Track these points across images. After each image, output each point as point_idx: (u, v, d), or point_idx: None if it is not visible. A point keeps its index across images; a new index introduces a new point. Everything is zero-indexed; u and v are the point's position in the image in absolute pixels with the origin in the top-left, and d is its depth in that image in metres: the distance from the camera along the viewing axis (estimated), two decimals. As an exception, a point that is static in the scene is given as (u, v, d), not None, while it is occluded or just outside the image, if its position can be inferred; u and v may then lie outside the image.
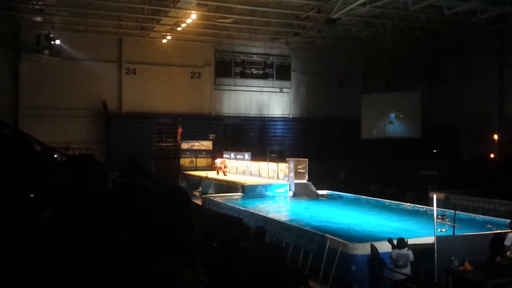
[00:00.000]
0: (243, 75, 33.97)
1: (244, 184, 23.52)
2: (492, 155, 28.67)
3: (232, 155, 29.46)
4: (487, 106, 29.11)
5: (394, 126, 33.55)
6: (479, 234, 12.44)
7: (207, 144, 31.24)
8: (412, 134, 32.04)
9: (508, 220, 12.49)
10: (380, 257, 11.06)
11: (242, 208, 18.80)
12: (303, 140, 32.91)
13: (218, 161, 28.37)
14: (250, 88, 34.27)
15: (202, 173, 28.02)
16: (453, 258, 10.43)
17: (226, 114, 33.69)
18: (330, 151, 30.87)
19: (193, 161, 30.83)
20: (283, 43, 32.32)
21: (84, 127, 29.29)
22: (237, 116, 33.93)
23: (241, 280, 4.05)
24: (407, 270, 10.56)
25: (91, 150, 23.67)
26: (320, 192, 23.50)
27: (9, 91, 27.93)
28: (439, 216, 11.86)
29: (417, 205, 19.74)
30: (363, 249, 11.60)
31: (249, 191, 22.89)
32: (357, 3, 22.39)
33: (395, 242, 10.99)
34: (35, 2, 25.03)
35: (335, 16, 24.22)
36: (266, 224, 14.23)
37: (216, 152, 30.45)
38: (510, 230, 11.35)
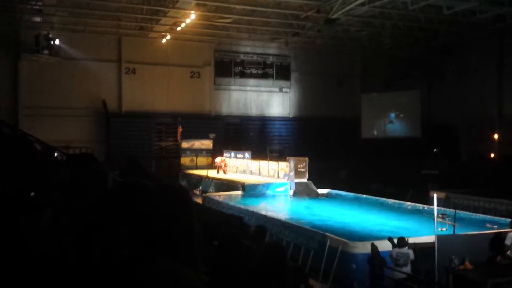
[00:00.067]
0: (243, 75, 33.98)
1: (244, 183, 23.52)
2: (492, 155, 28.65)
3: (232, 154, 29.44)
4: (486, 106, 29.05)
5: (394, 125, 33.51)
6: (479, 233, 12.44)
7: (207, 143, 31.22)
8: (412, 134, 32.01)
9: (509, 220, 12.51)
10: (380, 255, 11.06)
11: (242, 206, 18.82)
12: (303, 140, 32.90)
13: (218, 159, 28.34)
14: (249, 88, 34.31)
15: (203, 172, 28.01)
16: (453, 257, 10.42)
17: (225, 114, 33.69)
18: (330, 150, 30.88)
19: (193, 160, 30.83)
20: (283, 43, 32.28)
21: (84, 126, 29.28)
22: (236, 115, 33.93)
23: (242, 279, 4.04)
24: (408, 269, 10.56)
25: (91, 149, 23.67)
26: (320, 191, 23.51)
27: (8, 91, 27.95)
28: (440, 215, 11.85)
29: (418, 204, 19.72)
30: (364, 248, 11.62)
31: (249, 190, 22.89)
32: (356, 3, 22.37)
33: (395, 241, 11.00)
34: (34, 3, 25.02)
35: (334, 16, 24.21)
36: (267, 223, 14.26)
37: (216, 151, 30.45)
38: (510, 230, 11.35)
